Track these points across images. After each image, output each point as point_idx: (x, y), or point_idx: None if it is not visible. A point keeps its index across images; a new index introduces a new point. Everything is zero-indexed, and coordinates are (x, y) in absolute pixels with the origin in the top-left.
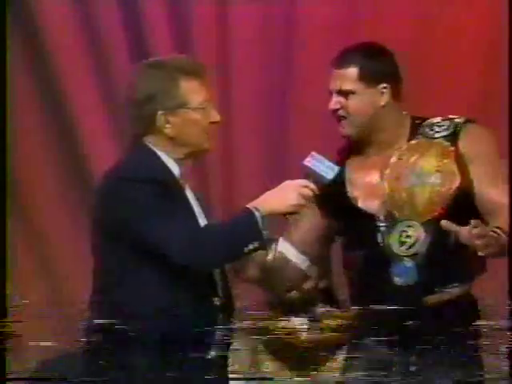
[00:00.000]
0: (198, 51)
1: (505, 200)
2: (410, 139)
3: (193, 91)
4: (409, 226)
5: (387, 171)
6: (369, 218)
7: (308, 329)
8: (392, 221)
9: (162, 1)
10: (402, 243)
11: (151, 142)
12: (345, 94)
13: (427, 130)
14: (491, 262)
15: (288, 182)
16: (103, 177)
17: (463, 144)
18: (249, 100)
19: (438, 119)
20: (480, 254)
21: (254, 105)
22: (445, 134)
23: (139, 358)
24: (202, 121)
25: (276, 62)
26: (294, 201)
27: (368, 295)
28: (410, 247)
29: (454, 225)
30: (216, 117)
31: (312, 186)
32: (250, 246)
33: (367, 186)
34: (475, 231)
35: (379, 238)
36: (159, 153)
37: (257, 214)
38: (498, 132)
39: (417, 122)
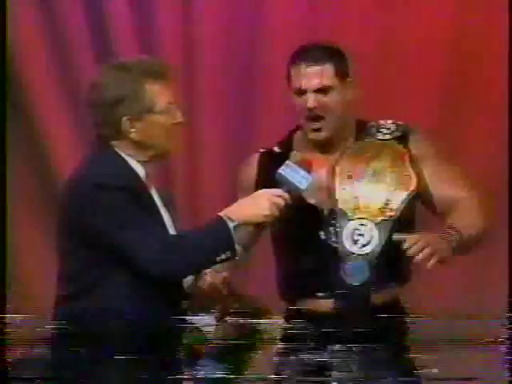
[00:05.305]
0: (164, 51)
1: (462, 194)
2: (357, 138)
3: (158, 95)
4: (362, 225)
5: (338, 168)
6: (317, 213)
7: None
8: (343, 218)
9: (127, 1)
10: (355, 242)
11: (116, 145)
12: (324, 90)
13: (374, 131)
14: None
15: (262, 191)
16: (71, 180)
17: (414, 145)
18: (213, 99)
19: (383, 122)
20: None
21: (218, 104)
22: (395, 135)
23: (114, 359)
24: (166, 123)
25: (241, 61)
26: (267, 210)
27: (312, 293)
28: (363, 246)
29: (404, 237)
30: (179, 117)
31: (286, 195)
32: (223, 256)
33: (316, 182)
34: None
35: (327, 236)
36: (125, 156)
37: (230, 223)
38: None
39: (361, 123)
